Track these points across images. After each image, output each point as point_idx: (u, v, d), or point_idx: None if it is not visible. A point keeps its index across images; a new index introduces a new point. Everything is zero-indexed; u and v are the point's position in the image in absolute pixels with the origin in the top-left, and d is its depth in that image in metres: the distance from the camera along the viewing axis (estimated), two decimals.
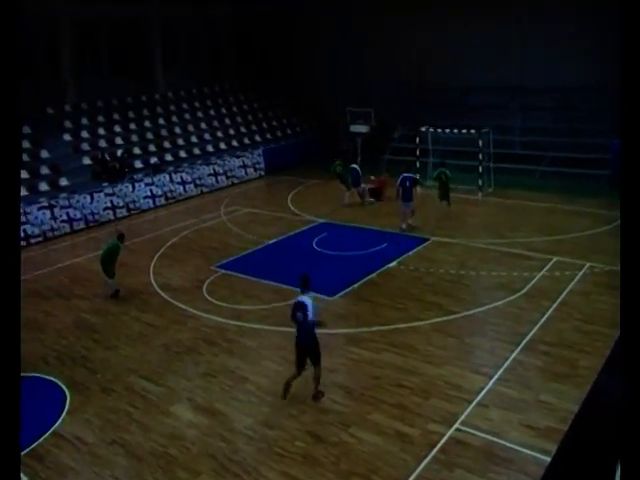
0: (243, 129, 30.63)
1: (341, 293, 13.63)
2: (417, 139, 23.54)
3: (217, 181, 26.07)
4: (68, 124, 25.25)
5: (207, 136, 28.85)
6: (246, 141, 29.87)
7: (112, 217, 21.97)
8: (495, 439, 8.35)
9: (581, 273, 13.98)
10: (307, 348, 9.49)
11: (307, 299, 9.48)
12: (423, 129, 23.62)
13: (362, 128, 29.16)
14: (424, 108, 28.18)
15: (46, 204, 20.30)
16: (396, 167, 25.87)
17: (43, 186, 21.59)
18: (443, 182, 19.48)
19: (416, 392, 9.58)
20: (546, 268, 14.39)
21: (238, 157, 27.42)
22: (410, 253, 15.70)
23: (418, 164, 23.67)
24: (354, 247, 16.73)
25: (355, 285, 14.04)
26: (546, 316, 11.95)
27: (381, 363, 10.51)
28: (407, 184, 17.98)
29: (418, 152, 23.63)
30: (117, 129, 26.32)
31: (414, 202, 18.09)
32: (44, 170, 22.46)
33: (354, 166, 21.93)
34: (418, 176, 20.37)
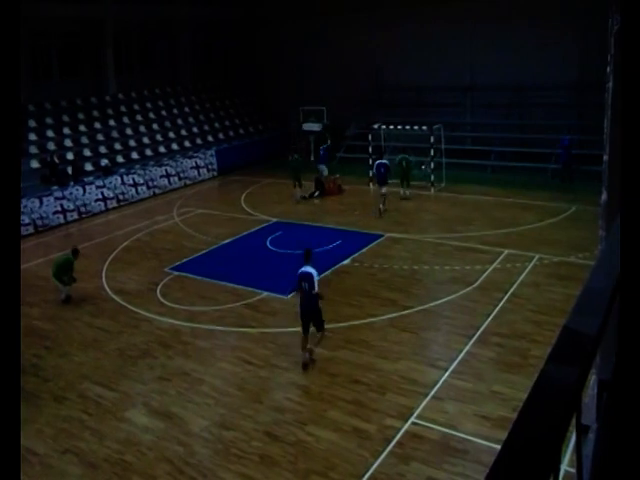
0: (195, 130, 30.29)
1: (295, 292, 13.61)
2: (370, 136, 23.75)
3: (170, 182, 25.73)
4: None
5: (159, 137, 28.42)
6: (199, 142, 29.55)
7: (62, 221, 21.40)
8: (450, 431, 8.48)
9: (531, 265, 14.35)
10: (310, 314, 10.35)
11: (313, 270, 10.27)
12: (375, 126, 23.85)
13: (314, 126, 29.25)
14: (377, 107, 28.48)
15: None
16: (350, 165, 26.24)
17: None
18: (404, 168, 20.83)
19: (372, 388, 9.63)
20: (497, 261, 14.71)
21: (191, 158, 27.13)
22: (364, 250, 15.81)
23: (370, 161, 23.87)
24: (308, 245, 16.64)
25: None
26: (498, 308, 12.21)
27: (337, 360, 10.54)
28: (382, 170, 19.56)
29: (371, 149, 23.83)
30: (66, 131, 25.67)
31: (387, 187, 19.47)
32: None
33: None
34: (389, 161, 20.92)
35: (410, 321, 11.89)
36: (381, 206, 19.19)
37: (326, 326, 11.70)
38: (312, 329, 10.51)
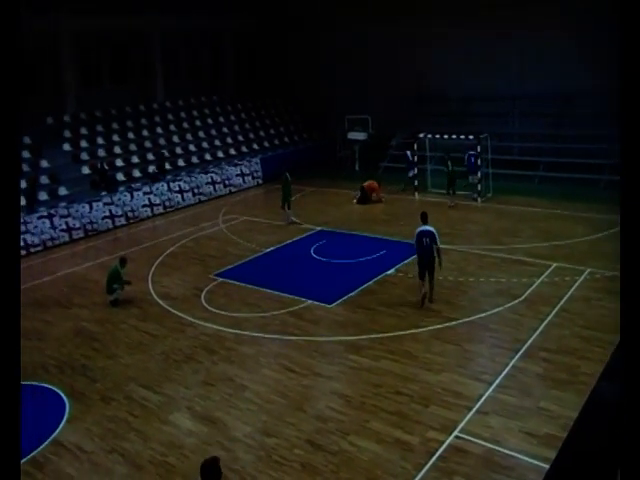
0: (241, 138, 30.74)
1: (339, 301, 13.65)
2: (415, 146, 23.66)
3: (215, 190, 26.14)
4: (67, 134, 25.35)
5: (205, 145, 28.95)
6: (244, 149, 29.97)
7: (111, 226, 21.99)
8: (495, 447, 8.34)
9: (581, 279, 14.01)
10: (430, 264, 12.84)
11: (432, 228, 12.87)
12: (421, 135, 23.78)
13: (360, 135, 29.30)
14: (423, 117, 28.34)
15: (45, 213, 20.36)
16: (393, 175, 26.18)
17: (43, 195, 21.65)
18: (449, 172, 21.63)
19: (415, 400, 9.57)
20: (545, 274, 14.42)
21: (236, 165, 27.50)
22: (408, 260, 15.73)
23: (415, 171, 23.76)
24: (352, 254, 16.77)
25: (354, 292, 14.08)
26: (546, 322, 11.97)
27: (380, 371, 10.52)
28: (472, 160, 21.84)
29: (415, 159, 23.73)
30: (115, 138, 26.42)
31: (479, 174, 21.66)
32: (44, 180, 22.53)
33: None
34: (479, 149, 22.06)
35: (454, 333, 11.77)
36: (474, 194, 21.48)
37: (369, 336, 11.73)
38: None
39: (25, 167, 22.31)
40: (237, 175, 27.28)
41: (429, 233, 12.82)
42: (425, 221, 13.08)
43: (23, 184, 21.17)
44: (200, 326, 12.86)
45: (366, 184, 22.99)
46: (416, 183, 23.56)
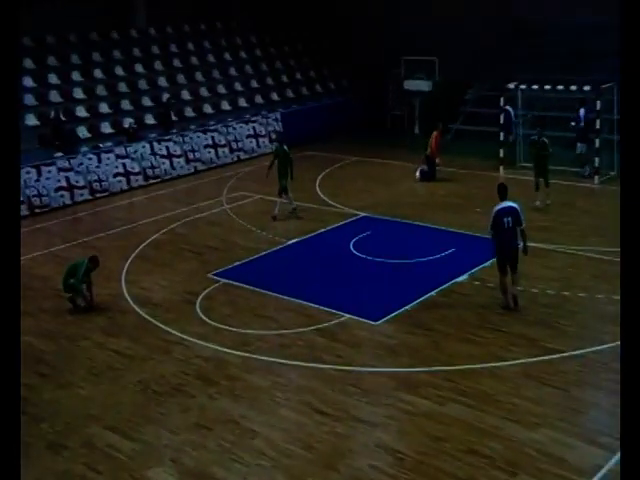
0: (255, 83, 30.87)
1: (389, 317, 13.58)
2: (501, 100, 23.35)
3: (217, 155, 26.29)
4: None
5: (204, 92, 29.14)
6: (258, 100, 30.09)
7: (68, 201, 22.24)
8: None
9: None
10: (513, 252, 13.37)
11: (515, 204, 13.38)
12: (511, 86, 23.43)
13: (422, 85, 29.13)
14: (513, 58, 27.90)
15: None
16: (469, 142, 25.88)
17: None
18: (540, 155, 19.53)
19: (497, 463, 9.41)
20: None
21: (247, 123, 27.65)
22: (488, 263, 15.52)
23: (502, 137, 23.43)
24: (408, 252, 16.68)
25: (409, 306, 14.00)
26: None
27: (446, 418, 10.39)
28: (583, 118, 21.90)
29: (502, 119, 23.39)
30: (76, 77, 26.63)
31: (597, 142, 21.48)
32: None
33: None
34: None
35: (556, 371, 11.57)
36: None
37: (431, 369, 11.58)
38: None
39: None
40: (249, 136, 27.41)
41: (511, 211, 13.29)
42: (504, 196, 13.53)
43: None
44: (193, 345, 12.88)
45: (432, 141, 22.75)
46: (502, 154, 23.28)
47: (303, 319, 13.63)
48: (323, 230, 18.57)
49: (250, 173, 24.98)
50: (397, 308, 13.90)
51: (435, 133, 22.84)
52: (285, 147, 20.06)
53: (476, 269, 15.48)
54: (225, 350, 12.62)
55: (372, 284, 15.16)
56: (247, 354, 12.46)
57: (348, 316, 13.64)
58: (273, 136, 20.70)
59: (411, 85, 29.47)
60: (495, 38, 28.46)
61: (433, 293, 14.53)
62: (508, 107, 23.71)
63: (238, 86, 30.17)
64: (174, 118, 26.64)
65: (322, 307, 14.05)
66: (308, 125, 28.63)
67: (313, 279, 15.57)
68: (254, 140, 27.49)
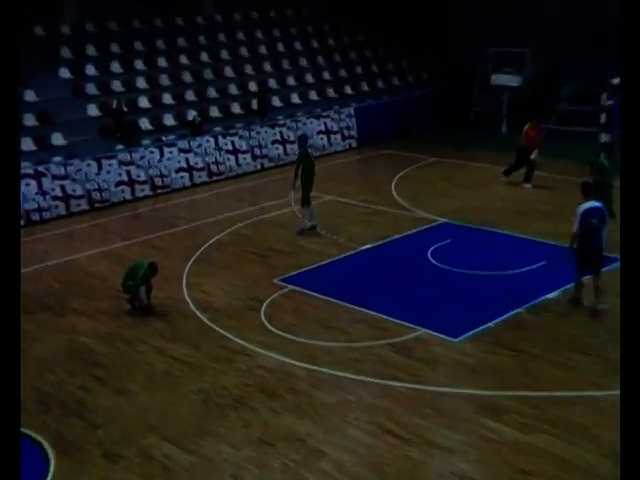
0: (327, 75, 30.95)
1: (470, 333, 13.43)
2: (604, 96, 22.87)
3: (286, 152, 26.47)
4: (66, 53, 26.17)
5: (273, 83, 29.30)
6: (330, 94, 30.17)
7: (129, 196, 22.68)
8: None
9: None
10: (594, 256, 13.62)
11: (600, 204, 13.70)
12: (615, 81, 22.92)
13: (511, 80, 28.77)
14: (614, 51, 27.32)
15: (31, 171, 21.05)
16: (564, 143, 25.42)
17: (27, 144, 22.39)
18: (598, 183, 17.35)
19: None
20: None
21: (318, 118, 27.71)
22: (584, 279, 15.20)
23: (603, 138, 22.99)
24: (492, 263, 16.53)
25: (492, 323, 13.85)
26: None
27: (532, 450, 10.19)
28: None
29: (604, 118, 22.93)
30: (139, 65, 27.12)
31: None
32: (29, 120, 23.27)
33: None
34: None
35: None
36: None
37: (516, 394, 11.43)
38: None
39: None
40: (320, 132, 27.51)
41: (598, 212, 13.56)
42: (588, 194, 13.86)
43: None
44: (257, 355, 12.95)
45: (528, 130, 22.17)
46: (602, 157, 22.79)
47: (375, 332, 13.58)
48: (399, 236, 18.49)
49: (320, 172, 24.89)
50: (479, 324, 13.74)
51: (529, 125, 22.28)
52: (310, 152, 19.95)
53: (570, 285, 15.13)
54: (290, 362, 12.64)
55: (452, 297, 15.03)
56: (314, 367, 12.46)
57: (424, 331, 13.54)
58: (304, 139, 19.75)
59: (499, 80, 29.12)
60: (595, 24, 27.76)
61: (520, 310, 14.28)
62: (612, 101, 23.09)
63: (309, 78, 30.30)
64: (271, 104, 27.38)
65: (396, 320, 13.97)
66: (384, 121, 28.59)
67: (387, 289, 15.49)
68: (325, 137, 27.56)
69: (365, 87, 31.31)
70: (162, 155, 23.55)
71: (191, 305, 15.04)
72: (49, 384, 12.38)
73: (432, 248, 17.52)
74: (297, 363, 12.61)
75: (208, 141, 24.76)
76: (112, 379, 12.43)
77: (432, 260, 16.89)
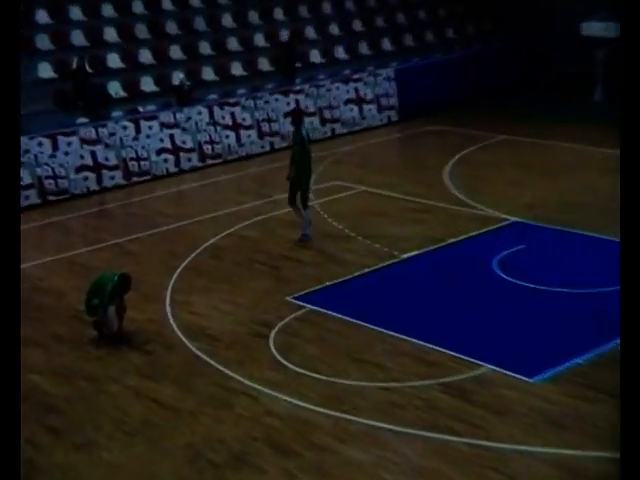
0: (358, 26, 30.96)
1: (551, 372, 13.35)
2: None
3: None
4: None
5: (284, 35, 29.33)
6: (363, 51, 30.28)
7: (94, 186, 22.82)
8: None
9: None
10: None
11: None
12: None
13: (609, 29, 28.64)
14: None
15: None
16: None
17: None
18: None
19: None
20: None
21: (346, 82, 27.74)
22: None
23: None
24: (579, 277, 16.57)
25: (581, 359, 13.75)
26: None
27: None
28: None
29: None
30: (107, 11, 27.13)
31: None
32: None
33: None
34: None
35: None
36: None
37: (618, 455, 11.42)
38: None
39: None
40: (348, 101, 27.60)
41: None
42: None
43: None
44: (265, 398, 12.93)
45: None
46: None
47: (423, 368, 13.52)
48: (454, 240, 18.47)
49: (350, 154, 25.02)
50: (563, 360, 13.64)
51: None
52: (305, 132, 19.34)
53: None
54: (310, 407, 12.58)
55: (526, 322, 14.96)
56: (341, 414, 12.36)
57: (489, 367, 13.43)
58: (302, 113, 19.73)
59: (592, 29, 28.99)
60: None
61: (619, 340, 14.20)
62: None
63: (334, 29, 30.39)
64: (297, 64, 27.73)
65: (451, 352, 13.90)
66: (434, 87, 28.70)
67: (439, 311, 15.47)
68: (355, 107, 27.68)
69: (409, 41, 31.33)
70: (139, 131, 23.76)
71: (177, 331, 15.06)
72: None
73: (499, 256, 17.50)
74: (319, 409, 12.54)
75: (200, 113, 24.96)
76: (71, 430, 12.42)
77: (499, 272, 16.86)
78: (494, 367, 13.46)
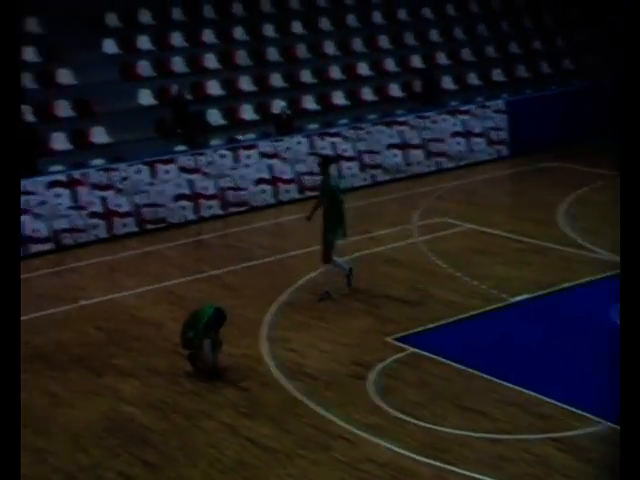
0: (467, 54, 30.91)
1: None
2: None
3: (407, 161, 26.68)
4: (113, 20, 26.92)
5: (390, 64, 29.46)
6: (472, 80, 30.12)
7: (191, 216, 23.15)
8: None
9: None
10: None
11: None
12: None
13: None
14: None
15: (63, 178, 21.84)
16: None
17: (60, 141, 23.21)
18: None
19: None
20: None
21: (453, 114, 27.69)
22: None
23: None
24: None
25: None
26: None
27: None
28: None
29: None
30: (208, 37, 27.62)
31: None
32: (63, 109, 24.08)
33: None
34: None
35: None
36: None
37: None
38: None
39: (30, 82, 23.94)
40: (454, 135, 27.56)
41: None
42: None
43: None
44: (363, 443, 12.87)
45: None
46: None
47: (534, 420, 13.32)
48: (568, 285, 18.29)
49: (456, 190, 24.94)
50: None
51: None
52: (335, 182, 18.76)
53: None
54: (410, 455, 12.46)
55: None
56: (443, 465, 12.21)
57: (607, 424, 13.10)
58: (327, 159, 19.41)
59: None
60: None
61: None
62: None
63: (441, 58, 30.42)
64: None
65: (565, 405, 13.66)
66: (548, 121, 28.49)
67: (551, 360, 15.28)
68: (462, 140, 27.60)
69: (523, 72, 31.19)
70: (237, 160, 23.97)
71: (274, 368, 15.14)
72: (81, 468, 12.56)
73: (618, 304, 17.22)
74: (419, 457, 12.41)
75: (299, 143, 25.14)
76: (165, 465, 12.54)
77: (618, 321, 16.60)
78: (612, 424, 13.01)
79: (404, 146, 26.59)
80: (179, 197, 23.05)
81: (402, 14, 31.38)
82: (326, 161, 18.97)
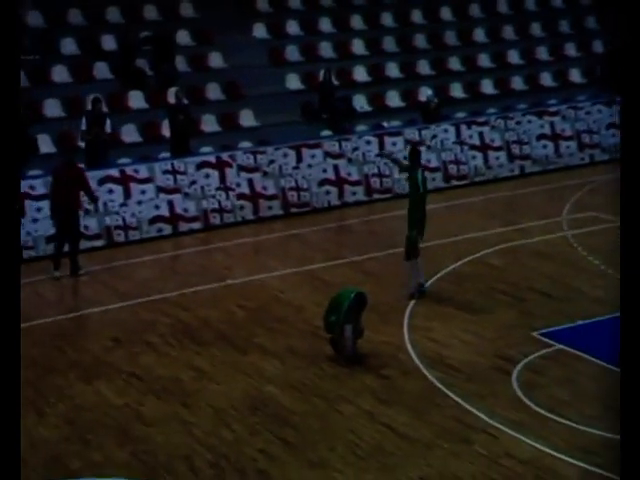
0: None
1: None
2: None
3: (558, 152, 26.55)
4: (263, 5, 27.58)
5: (542, 53, 29.15)
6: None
7: (335, 201, 23.49)
8: None
9: None
10: None
11: None
12: None
13: None
14: None
15: (212, 159, 22.38)
16: None
17: (210, 123, 23.91)
18: None
19: None
20: None
21: (609, 105, 27.18)
22: None
23: None
24: None
25: None
26: None
27: None
28: None
29: None
30: (357, 22, 27.86)
31: None
32: (213, 92, 24.85)
33: None
34: None
35: None
36: None
37: None
38: None
39: (184, 65, 24.77)
40: (610, 126, 27.09)
41: None
42: None
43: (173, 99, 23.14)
44: (505, 438, 12.76)
45: None
46: None
47: None
48: None
49: (609, 184, 24.53)
50: None
51: None
52: (421, 173, 18.14)
53: None
54: (554, 454, 12.28)
55: None
56: (591, 467, 11.97)
57: None
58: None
59: None
60: None
61: None
62: None
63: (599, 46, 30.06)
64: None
65: None
66: None
67: None
68: (618, 132, 27.06)
69: None
70: (382, 146, 24.00)
71: (415, 357, 15.18)
72: (225, 443, 12.85)
73: None
74: (564, 457, 12.21)
75: (446, 131, 25.15)
76: (305, 446, 12.69)
77: None
78: None
79: (555, 136, 26.30)
80: (323, 182, 23.27)
81: (557, 2, 30.99)
82: (415, 152, 18.46)
